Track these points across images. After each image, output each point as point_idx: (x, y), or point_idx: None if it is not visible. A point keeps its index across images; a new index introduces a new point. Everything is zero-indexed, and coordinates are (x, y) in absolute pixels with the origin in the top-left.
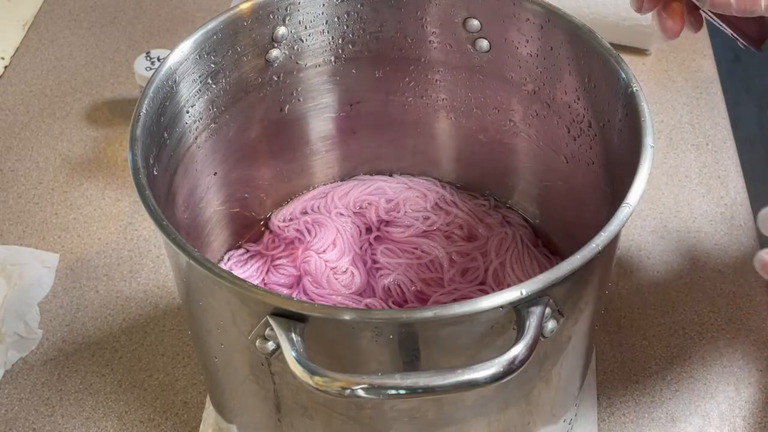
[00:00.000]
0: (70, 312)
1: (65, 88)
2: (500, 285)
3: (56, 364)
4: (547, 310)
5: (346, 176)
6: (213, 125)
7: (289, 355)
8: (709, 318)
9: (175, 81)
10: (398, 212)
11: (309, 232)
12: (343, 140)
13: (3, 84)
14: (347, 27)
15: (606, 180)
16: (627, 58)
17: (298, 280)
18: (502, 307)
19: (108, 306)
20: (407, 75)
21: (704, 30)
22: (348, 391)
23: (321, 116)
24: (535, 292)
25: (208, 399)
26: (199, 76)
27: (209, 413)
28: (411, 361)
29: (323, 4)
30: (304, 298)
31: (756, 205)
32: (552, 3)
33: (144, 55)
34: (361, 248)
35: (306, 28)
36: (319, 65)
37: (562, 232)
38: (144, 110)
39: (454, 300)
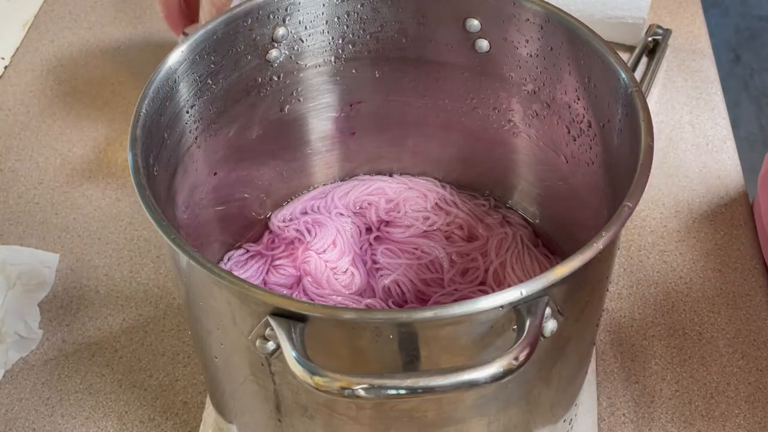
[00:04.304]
0: (70, 312)
1: (65, 88)
2: (500, 285)
3: (56, 364)
4: (547, 310)
5: (346, 176)
6: (213, 125)
7: (289, 355)
8: (709, 318)
9: (175, 81)
10: (398, 212)
11: (309, 232)
12: (343, 140)
13: (3, 84)
14: (347, 27)
15: (606, 180)
16: (626, 57)
17: (298, 280)
18: (502, 307)
19: (108, 306)
20: (407, 75)
21: (704, 30)
22: (348, 391)
23: (321, 116)
24: (535, 292)
25: (208, 399)
26: (199, 76)
27: (209, 413)
28: (411, 361)
29: (323, 4)
30: (304, 298)
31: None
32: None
33: None
34: (361, 248)
35: (306, 28)
36: (319, 65)
37: (562, 232)
38: (144, 110)
39: (455, 300)
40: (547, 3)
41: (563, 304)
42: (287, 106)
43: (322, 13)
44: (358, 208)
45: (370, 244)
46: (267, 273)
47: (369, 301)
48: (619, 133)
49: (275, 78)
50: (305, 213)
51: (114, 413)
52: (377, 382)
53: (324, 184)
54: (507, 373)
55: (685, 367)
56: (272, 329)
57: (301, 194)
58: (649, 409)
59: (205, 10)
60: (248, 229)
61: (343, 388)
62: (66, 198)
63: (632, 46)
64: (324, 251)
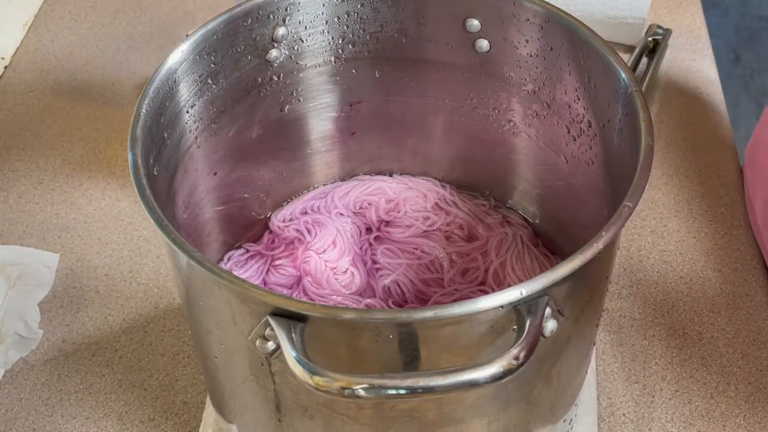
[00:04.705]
0: (70, 312)
1: (65, 88)
2: (500, 285)
3: (56, 364)
4: (547, 310)
5: (346, 176)
6: (213, 125)
7: (289, 355)
8: (709, 318)
9: (175, 81)
10: (398, 212)
11: (309, 232)
12: (343, 140)
13: (3, 84)
14: (347, 27)
15: (606, 180)
16: (626, 57)
17: (298, 280)
18: (502, 307)
19: (108, 306)
20: (407, 75)
21: (704, 30)
22: (348, 391)
23: (321, 116)
24: (535, 292)
25: (208, 399)
26: (199, 76)
27: (209, 413)
28: (411, 361)
29: (323, 4)
30: (304, 298)
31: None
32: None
33: None
34: (361, 248)
35: (306, 28)
36: (319, 65)
37: (562, 232)
38: (144, 110)
39: (455, 300)
40: (547, 3)
41: (563, 304)
42: (287, 106)
43: (322, 13)
44: (358, 208)
45: (370, 244)
46: (267, 273)
47: (369, 301)
48: (619, 133)
49: (275, 78)
50: (305, 213)
51: (114, 413)
52: (377, 382)
53: (324, 184)
54: (507, 373)
55: (685, 367)
56: (272, 329)
57: (301, 194)
58: (649, 409)
59: None
60: (248, 229)
61: (343, 388)
62: (66, 198)
63: (632, 46)
64: (324, 251)
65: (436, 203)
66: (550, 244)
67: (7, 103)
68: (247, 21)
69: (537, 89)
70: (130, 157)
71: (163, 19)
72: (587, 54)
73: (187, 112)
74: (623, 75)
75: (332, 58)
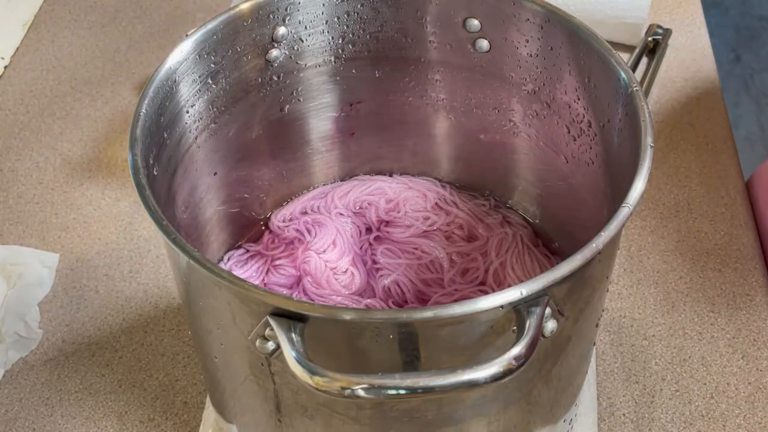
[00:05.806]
0: (70, 312)
1: (65, 88)
2: (500, 285)
3: (56, 364)
4: (547, 310)
5: (346, 176)
6: (213, 125)
7: (289, 355)
8: (709, 318)
9: (175, 81)
10: (398, 212)
11: (309, 232)
12: (343, 140)
13: (3, 84)
14: (347, 27)
15: (606, 180)
16: (626, 57)
17: (298, 280)
18: (502, 307)
19: (108, 306)
20: (407, 75)
21: (704, 30)
22: (348, 391)
23: (321, 116)
24: (535, 292)
25: (208, 399)
26: (199, 76)
27: (209, 413)
28: (411, 361)
29: (323, 4)
30: (304, 299)
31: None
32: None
33: None
34: (361, 248)
35: (306, 28)
36: (319, 65)
37: (562, 232)
38: (144, 110)
39: (455, 300)
40: (547, 3)
41: (563, 304)
42: (287, 106)
43: (322, 13)
44: (358, 208)
45: (370, 244)
46: (267, 273)
47: (369, 301)
48: (619, 133)
49: (275, 78)
50: (305, 213)
51: (114, 413)
52: (377, 382)
53: (324, 184)
54: (507, 373)
55: (685, 367)
56: (272, 329)
57: (301, 194)
58: (649, 409)
59: None
60: (248, 229)
61: (343, 388)
62: (66, 198)
63: (632, 46)
64: (324, 251)
65: (436, 203)
66: (550, 244)
67: (7, 103)
68: (247, 21)
69: (537, 89)
70: (130, 157)
71: (163, 19)
72: (587, 54)
73: (187, 112)
74: (623, 75)
75: (332, 58)
